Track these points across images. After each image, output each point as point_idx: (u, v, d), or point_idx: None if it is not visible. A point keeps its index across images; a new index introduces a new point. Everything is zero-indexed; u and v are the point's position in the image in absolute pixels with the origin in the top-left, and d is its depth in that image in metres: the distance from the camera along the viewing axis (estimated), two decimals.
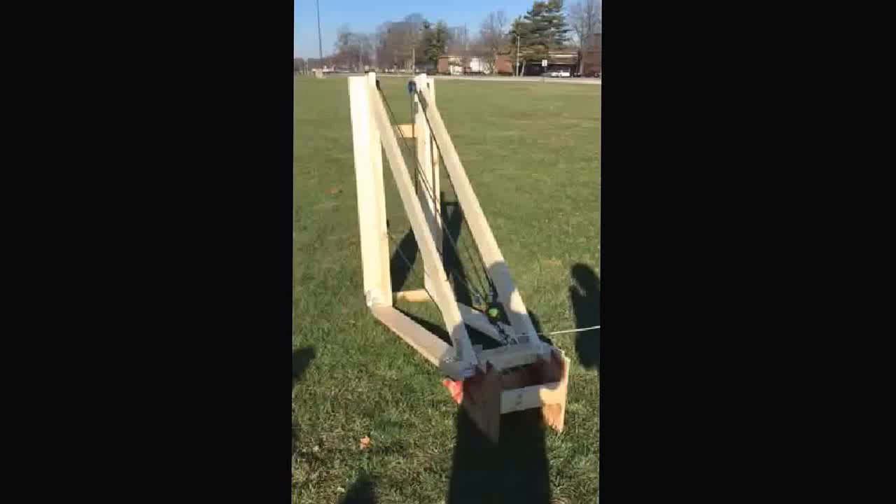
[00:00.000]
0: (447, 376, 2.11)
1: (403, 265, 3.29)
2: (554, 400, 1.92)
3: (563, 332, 2.61)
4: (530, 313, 2.40)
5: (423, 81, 2.69)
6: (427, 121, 2.65)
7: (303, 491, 1.66)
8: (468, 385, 1.96)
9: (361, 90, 2.62)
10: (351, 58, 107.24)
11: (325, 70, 79.12)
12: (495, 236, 2.38)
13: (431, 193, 2.80)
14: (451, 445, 1.87)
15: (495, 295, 2.26)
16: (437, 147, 2.62)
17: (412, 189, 2.38)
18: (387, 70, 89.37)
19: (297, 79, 50.66)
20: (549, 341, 2.34)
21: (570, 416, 1.98)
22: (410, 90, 2.67)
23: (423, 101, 2.66)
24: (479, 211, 2.37)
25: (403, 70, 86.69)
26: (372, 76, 2.62)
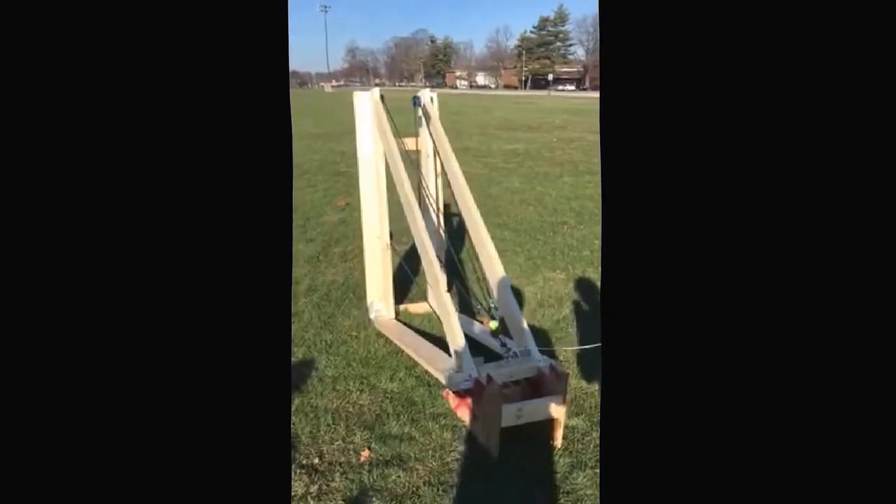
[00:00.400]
0: (448, 388, 2.11)
1: (406, 277, 3.30)
2: (554, 414, 1.90)
3: (567, 349, 2.59)
4: (534, 328, 2.39)
5: (427, 96, 2.73)
6: (430, 133, 2.67)
7: (301, 503, 1.65)
8: (468, 398, 1.95)
9: (366, 104, 2.65)
10: (361, 71, 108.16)
11: (334, 84, 79.73)
12: (500, 248, 2.38)
13: (434, 205, 2.81)
14: (451, 459, 1.86)
15: (497, 307, 2.26)
16: (440, 159, 2.64)
17: (414, 200, 2.39)
18: (397, 84, 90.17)
19: (306, 92, 51.12)
20: (551, 355, 2.33)
21: (569, 430, 1.97)
22: (415, 104, 2.71)
23: (426, 114, 2.69)
24: (480, 221, 2.37)
25: (413, 84, 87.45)
26: (376, 91, 2.66)
